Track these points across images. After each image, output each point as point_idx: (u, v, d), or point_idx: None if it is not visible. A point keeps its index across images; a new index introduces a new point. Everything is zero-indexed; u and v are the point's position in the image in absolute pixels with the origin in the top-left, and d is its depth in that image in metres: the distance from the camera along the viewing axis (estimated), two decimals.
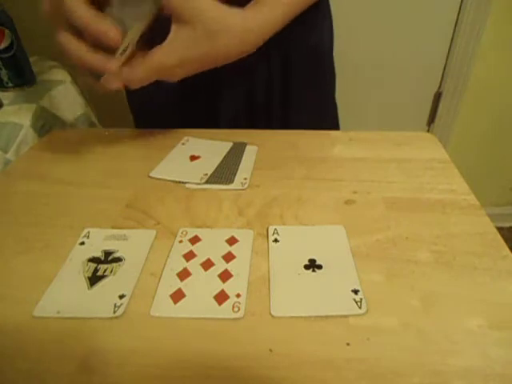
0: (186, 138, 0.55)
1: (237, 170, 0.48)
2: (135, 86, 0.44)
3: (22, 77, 0.82)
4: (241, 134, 0.56)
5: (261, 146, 0.53)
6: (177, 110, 0.65)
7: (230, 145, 0.54)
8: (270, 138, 0.55)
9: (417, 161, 0.49)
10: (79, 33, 0.40)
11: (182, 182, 0.46)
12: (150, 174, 0.47)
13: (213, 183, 0.46)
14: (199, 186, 0.45)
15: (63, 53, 0.41)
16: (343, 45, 0.87)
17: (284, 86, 0.62)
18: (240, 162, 0.50)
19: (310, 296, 0.32)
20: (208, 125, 0.60)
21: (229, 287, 0.33)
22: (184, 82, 0.50)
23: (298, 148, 0.53)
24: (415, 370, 0.26)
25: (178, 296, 0.32)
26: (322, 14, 0.63)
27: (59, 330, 0.30)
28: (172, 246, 0.37)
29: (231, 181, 0.46)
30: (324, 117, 0.70)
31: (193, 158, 0.51)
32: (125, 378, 0.26)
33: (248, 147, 0.53)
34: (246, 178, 0.46)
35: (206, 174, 0.47)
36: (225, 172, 0.48)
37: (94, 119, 0.96)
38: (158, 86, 0.51)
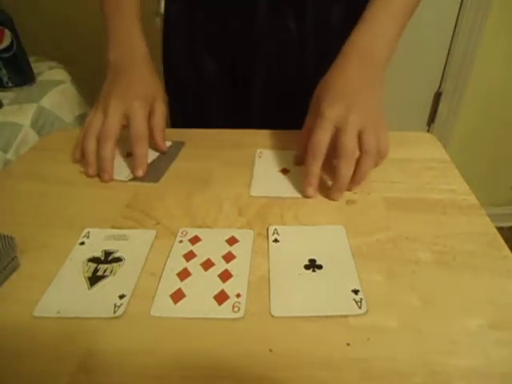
0: None
1: (166, 170, 0.49)
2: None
3: (22, 77, 0.82)
4: (241, 134, 0.56)
5: (262, 146, 0.53)
6: (214, 93, 0.66)
7: (168, 143, 0.53)
8: (272, 137, 0.55)
9: (417, 161, 0.49)
10: None
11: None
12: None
13: (138, 181, 0.47)
14: (125, 183, 0.46)
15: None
16: None
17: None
18: (173, 161, 0.50)
19: (310, 296, 0.32)
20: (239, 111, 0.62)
21: (229, 287, 0.33)
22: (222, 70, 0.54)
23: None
24: (415, 370, 0.26)
25: (178, 296, 0.32)
26: None
27: (59, 330, 0.30)
28: (172, 246, 0.37)
29: (156, 180, 0.47)
30: None
31: (129, 154, 0.50)
32: (125, 378, 0.26)
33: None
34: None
35: None
36: (152, 171, 0.48)
37: None
38: (196, 71, 0.53)
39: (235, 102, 0.66)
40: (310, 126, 0.44)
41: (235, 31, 0.60)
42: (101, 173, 0.46)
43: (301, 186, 0.44)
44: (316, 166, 0.42)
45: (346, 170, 0.41)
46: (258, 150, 0.52)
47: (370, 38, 0.47)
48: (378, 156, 0.43)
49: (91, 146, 0.47)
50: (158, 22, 0.64)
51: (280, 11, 0.58)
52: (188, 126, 0.59)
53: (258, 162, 0.50)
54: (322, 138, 0.41)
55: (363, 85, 0.45)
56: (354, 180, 0.43)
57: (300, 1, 0.57)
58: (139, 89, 0.50)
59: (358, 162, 0.42)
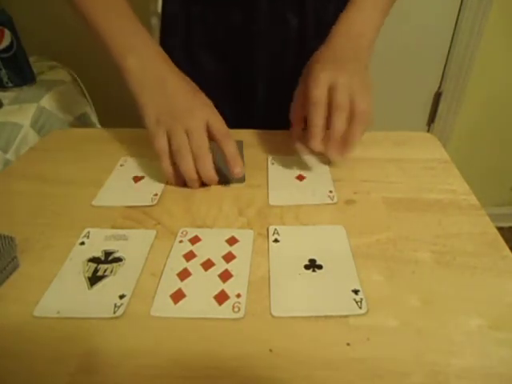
0: (123, 158, 0.51)
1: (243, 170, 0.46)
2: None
3: (22, 77, 0.82)
4: (240, 134, 0.56)
5: (263, 146, 0.53)
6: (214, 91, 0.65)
7: None
8: (272, 137, 0.55)
9: (417, 161, 0.49)
10: None
11: (132, 206, 0.43)
12: (93, 203, 0.43)
13: (225, 185, 0.45)
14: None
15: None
16: None
17: None
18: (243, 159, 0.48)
19: (310, 296, 0.32)
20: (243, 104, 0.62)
21: (229, 287, 0.33)
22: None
23: None
24: (415, 370, 0.26)
25: (178, 296, 0.32)
26: None
27: (59, 330, 0.30)
28: (172, 246, 0.37)
29: (243, 180, 0.46)
30: None
31: (136, 178, 0.48)
32: (125, 378, 0.26)
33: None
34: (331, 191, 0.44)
35: (156, 195, 0.44)
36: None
37: (94, 119, 0.96)
38: (194, 68, 0.53)
39: (238, 99, 0.65)
40: (302, 97, 0.45)
41: (234, 28, 0.59)
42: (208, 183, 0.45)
43: (320, 192, 0.44)
44: (319, 117, 0.42)
45: (339, 123, 0.42)
46: (270, 157, 0.51)
47: (358, 23, 0.50)
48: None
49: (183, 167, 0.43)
50: (155, 21, 0.64)
51: (280, 7, 0.58)
52: None
53: (271, 168, 0.49)
54: (320, 92, 0.42)
55: (351, 57, 0.47)
56: (347, 141, 0.43)
57: None
58: (192, 109, 0.45)
59: (350, 123, 0.43)
